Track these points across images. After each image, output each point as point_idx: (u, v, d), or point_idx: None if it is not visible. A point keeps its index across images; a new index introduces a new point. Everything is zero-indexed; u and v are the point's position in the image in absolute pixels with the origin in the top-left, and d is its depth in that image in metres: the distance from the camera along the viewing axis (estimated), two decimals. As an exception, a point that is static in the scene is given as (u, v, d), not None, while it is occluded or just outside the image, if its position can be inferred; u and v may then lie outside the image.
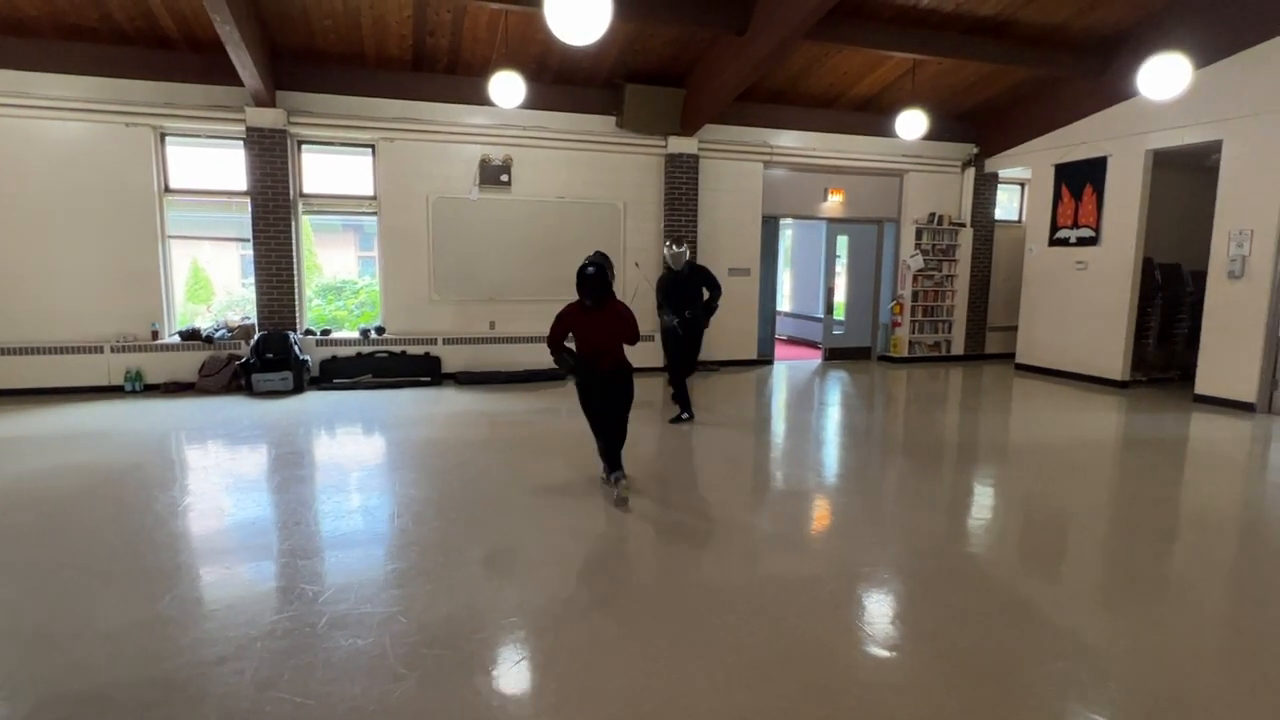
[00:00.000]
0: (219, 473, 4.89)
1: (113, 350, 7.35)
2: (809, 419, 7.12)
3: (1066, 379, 8.97)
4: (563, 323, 4.31)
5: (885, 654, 2.65)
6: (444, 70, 7.99)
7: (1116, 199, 8.37)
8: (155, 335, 7.50)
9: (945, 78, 8.74)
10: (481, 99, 6.94)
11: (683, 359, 6.40)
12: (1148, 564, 3.59)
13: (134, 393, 7.33)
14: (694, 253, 6.12)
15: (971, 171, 10.30)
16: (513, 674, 2.49)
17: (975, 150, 10.25)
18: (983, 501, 4.65)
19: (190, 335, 7.63)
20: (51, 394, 7.14)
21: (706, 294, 6.35)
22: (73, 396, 7.11)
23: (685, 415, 6.40)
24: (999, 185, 10.61)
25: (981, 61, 7.95)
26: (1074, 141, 8.84)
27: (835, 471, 5.25)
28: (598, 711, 2.27)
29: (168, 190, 7.59)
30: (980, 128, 10.11)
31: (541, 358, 8.71)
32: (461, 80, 8.00)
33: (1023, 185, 10.99)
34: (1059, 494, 4.71)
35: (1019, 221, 11.07)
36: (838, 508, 4.45)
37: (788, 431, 6.55)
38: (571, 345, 4.40)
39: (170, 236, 7.72)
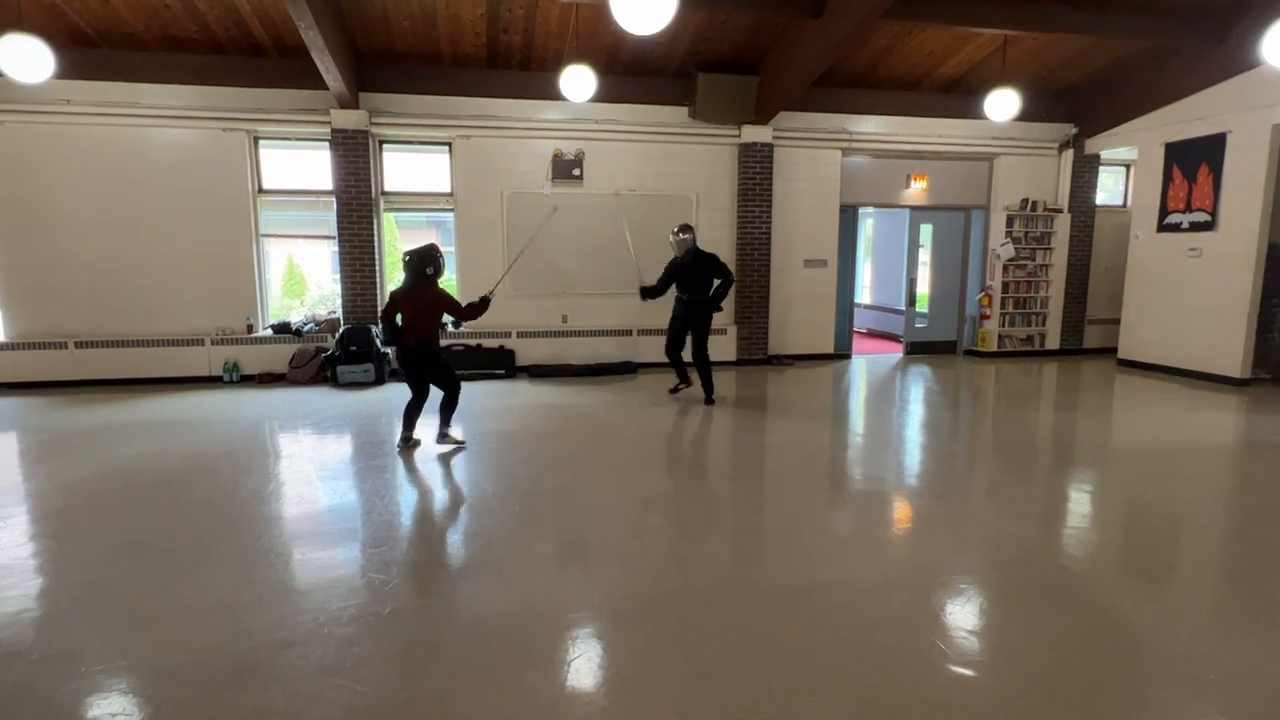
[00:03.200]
0: (302, 460, 5.10)
1: (212, 343, 7.82)
2: (887, 416, 6.84)
3: (1176, 376, 8.28)
4: (393, 301, 5.25)
5: (959, 672, 2.47)
6: (518, 67, 8.08)
7: (1237, 179, 7.63)
8: (250, 329, 7.93)
9: (1040, 54, 8.19)
10: (554, 94, 6.97)
11: (677, 336, 6.91)
12: (1268, 584, 3.23)
13: (231, 383, 7.78)
14: (720, 241, 6.43)
15: (1070, 153, 9.63)
16: (563, 672, 2.46)
17: (1074, 130, 9.57)
18: (1079, 509, 4.32)
19: (282, 329, 8.03)
20: (158, 384, 7.66)
21: (718, 281, 6.75)
22: (177, 386, 7.60)
23: (681, 385, 7.09)
24: (1101, 167, 9.88)
25: (1081, 34, 7.39)
26: (1187, 118, 8.11)
27: (914, 473, 5.00)
28: (642, 719, 2.21)
29: (261, 191, 8.00)
30: (1079, 106, 9.43)
31: (614, 351, 8.79)
32: (535, 76, 8.07)
33: (1128, 167, 10.20)
34: (1166, 502, 4.33)
35: (1123, 206, 10.29)
36: (916, 511, 4.23)
37: (863, 429, 6.30)
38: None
39: (264, 235, 8.15)
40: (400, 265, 5.34)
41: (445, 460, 5.05)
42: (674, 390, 7.17)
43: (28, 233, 7.43)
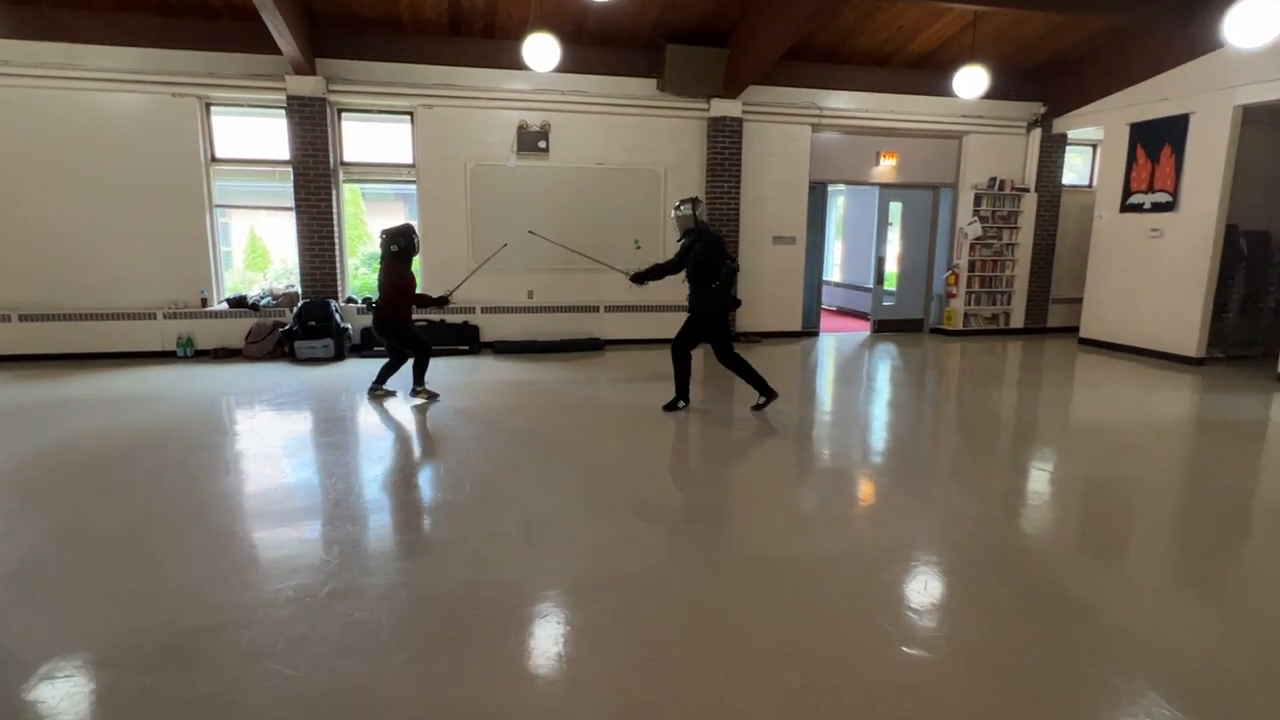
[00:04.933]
0: (253, 438, 4.98)
1: (165, 317, 7.58)
2: (852, 394, 6.86)
3: (1135, 355, 8.41)
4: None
5: (905, 651, 2.47)
6: (481, 34, 7.85)
7: (1198, 160, 7.70)
8: (204, 302, 7.71)
9: (1010, 31, 8.15)
10: (519, 63, 6.77)
11: (682, 334, 5.56)
12: (1217, 561, 3.29)
13: (185, 358, 7.57)
14: (705, 215, 5.41)
15: (1038, 132, 9.65)
16: (503, 656, 2.42)
17: (1042, 109, 9.59)
18: (1035, 487, 4.36)
19: (237, 303, 7.81)
20: (107, 359, 7.42)
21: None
22: (127, 362, 7.37)
23: (680, 404, 5.61)
24: (1067, 147, 9.93)
25: (1051, 12, 7.36)
26: (1152, 98, 8.15)
27: (876, 450, 5.02)
28: (575, 703, 2.18)
29: (214, 160, 7.73)
30: (1048, 85, 9.44)
31: (580, 327, 8.70)
32: (499, 44, 7.85)
33: (1094, 147, 10.26)
34: (1121, 481, 4.39)
35: (1089, 186, 10.37)
36: (875, 489, 4.24)
37: (827, 407, 6.31)
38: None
39: (218, 205, 7.89)
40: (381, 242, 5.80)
41: (401, 436, 4.96)
42: (669, 406, 5.62)
43: (-35, 201, 7.10)
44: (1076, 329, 9.51)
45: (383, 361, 6.13)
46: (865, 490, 4.21)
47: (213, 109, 7.64)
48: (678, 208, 5.47)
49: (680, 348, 5.57)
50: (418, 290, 5.97)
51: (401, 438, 4.99)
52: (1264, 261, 8.18)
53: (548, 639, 2.53)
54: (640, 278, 5.64)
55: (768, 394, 5.54)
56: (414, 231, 5.81)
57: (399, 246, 5.68)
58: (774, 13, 7.20)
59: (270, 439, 4.94)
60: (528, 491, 3.97)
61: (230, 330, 7.75)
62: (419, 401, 5.81)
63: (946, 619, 2.70)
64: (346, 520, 3.54)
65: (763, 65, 7.92)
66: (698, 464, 4.74)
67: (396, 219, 12.96)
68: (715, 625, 2.60)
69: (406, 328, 5.84)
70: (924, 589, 2.96)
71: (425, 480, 4.13)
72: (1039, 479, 4.48)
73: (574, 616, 2.67)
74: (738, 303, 5.57)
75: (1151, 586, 3.03)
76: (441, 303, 6.10)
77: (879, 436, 5.38)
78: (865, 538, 3.46)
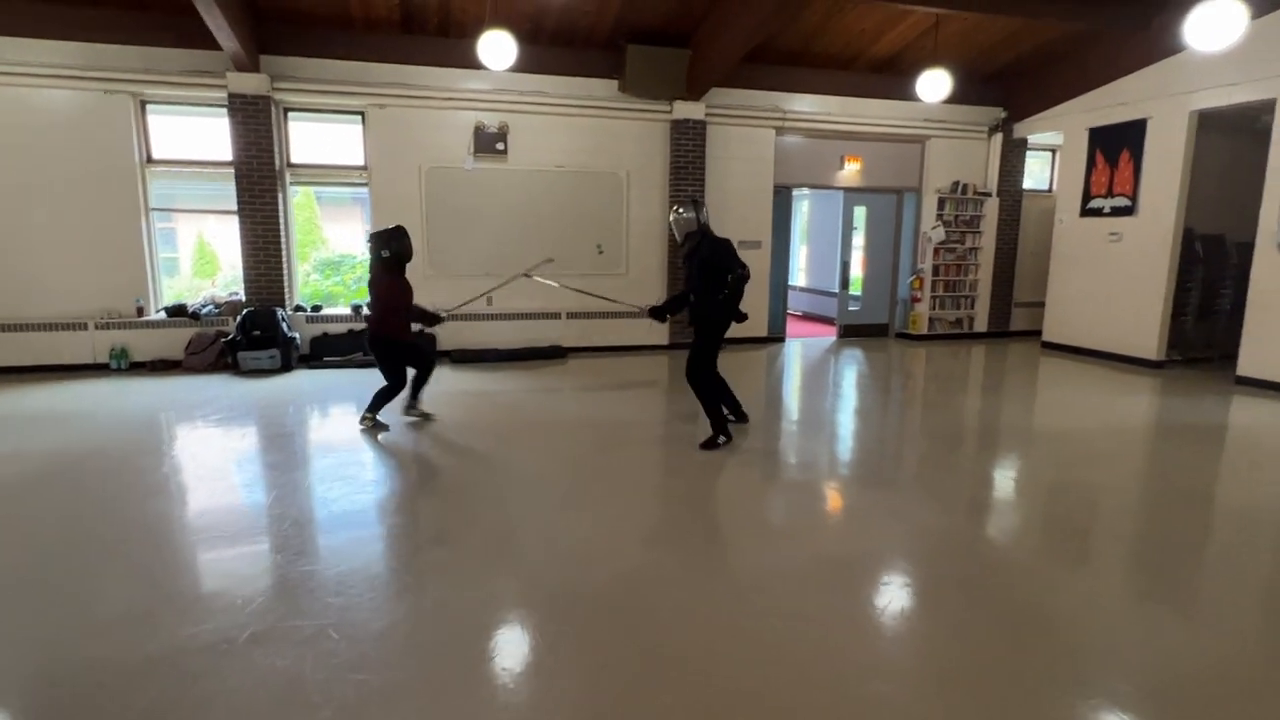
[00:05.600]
0: (183, 459, 4.64)
1: (97, 327, 7.13)
2: (817, 402, 6.72)
3: (1097, 358, 8.44)
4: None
5: (862, 664, 2.29)
6: (435, 32, 7.57)
7: (1156, 165, 7.76)
8: (140, 311, 7.27)
9: (971, 35, 8.13)
10: (476, 62, 6.49)
11: (697, 356, 4.89)
12: (1182, 570, 3.18)
13: (120, 371, 7.13)
14: (708, 217, 4.90)
15: (999, 137, 9.68)
16: (442, 709, 2.18)
17: (1003, 114, 9.62)
18: (1002, 496, 4.25)
19: (176, 311, 7.39)
20: (36, 371, 6.95)
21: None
22: (58, 375, 6.92)
23: (720, 439, 4.83)
24: (1028, 151, 9.98)
25: (1011, 16, 7.34)
26: (1111, 103, 8.21)
27: (843, 461, 4.87)
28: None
29: (150, 160, 7.31)
30: (1009, 90, 9.48)
31: (542, 335, 8.45)
32: (454, 43, 7.57)
33: (1053, 151, 10.34)
34: (1086, 488, 4.29)
35: (1049, 191, 10.45)
36: (837, 500, 4.07)
37: (792, 415, 6.16)
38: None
39: (155, 209, 7.46)
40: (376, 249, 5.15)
41: (349, 456, 4.66)
42: (706, 446, 4.81)
43: (-127, 203, 6.59)
44: (1039, 332, 9.54)
45: (336, 373, 5.77)
46: (832, 502, 4.04)
47: (148, 107, 7.23)
48: (677, 210, 4.85)
49: (701, 370, 4.85)
50: (414, 301, 5.27)
51: (349, 458, 4.69)
52: (1219, 265, 8.28)
53: (492, 684, 2.30)
54: (659, 312, 5.13)
55: (724, 433, 4.85)
56: (406, 234, 5.10)
57: (390, 252, 5.02)
58: (736, 13, 7.05)
59: (203, 460, 4.60)
60: (480, 515, 3.72)
61: (169, 341, 7.33)
62: (412, 419, 5.28)
63: (913, 638, 2.53)
64: (278, 550, 3.26)
65: (725, 66, 7.78)
66: (660, 477, 4.53)
67: (353, 224, 12.43)
68: (649, 646, 2.39)
69: (403, 343, 5.19)
70: (889, 606, 2.79)
71: (369, 505, 3.86)
72: (1004, 488, 4.37)
73: (525, 660, 2.44)
74: (744, 316, 4.86)
75: (1118, 598, 2.90)
76: (435, 321, 5.45)
77: (845, 446, 5.24)
78: (829, 551, 3.28)
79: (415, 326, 5.56)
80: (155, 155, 7.34)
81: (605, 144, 8.34)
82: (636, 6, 7.28)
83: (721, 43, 7.48)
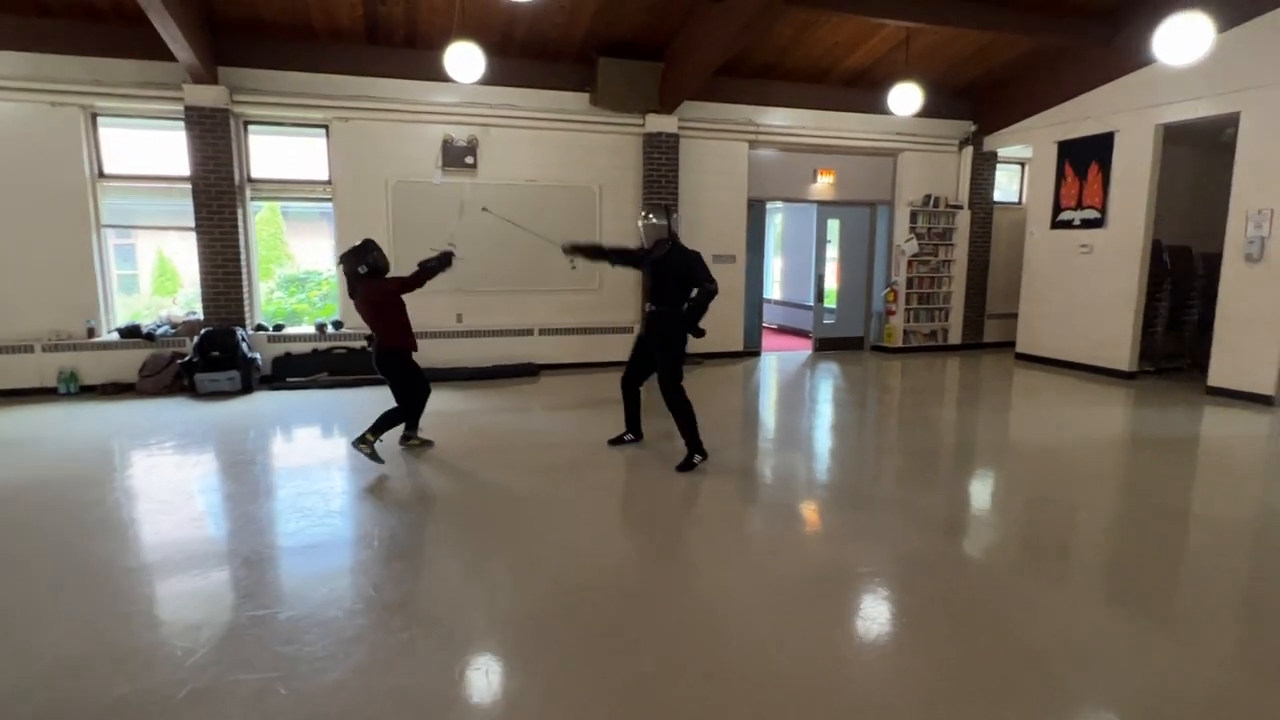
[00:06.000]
0: (127, 491, 4.37)
1: (44, 349, 6.80)
2: (793, 418, 6.62)
3: (1070, 370, 8.47)
4: (358, 309, 4.82)
5: (833, 686, 2.15)
6: (402, 44, 7.41)
7: (1124, 178, 7.83)
8: (91, 333, 6.95)
9: (942, 49, 8.18)
10: (443, 75, 6.34)
11: (636, 363, 5.00)
12: (1161, 586, 3.10)
13: (69, 395, 6.80)
14: (678, 226, 4.92)
15: (969, 150, 9.75)
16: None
17: (973, 128, 9.69)
18: (978, 514, 4.15)
19: (130, 332, 7.08)
20: (-23, 397, 6.60)
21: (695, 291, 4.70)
22: (1, 400, 6.57)
23: (696, 459, 4.73)
24: (998, 165, 10.06)
25: (980, 30, 7.38)
26: (1079, 117, 8.29)
27: (819, 479, 4.75)
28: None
29: (101, 175, 7.02)
30: (979, 103, 9.56)
31: (513, 352, 8.26)
32: (421, 54, 7.41)
33: (1023, 165, 10.45)
34: (1063, 503, 4.22)
35: (1019, 203, 10.54)
36: (812, 517, 3.95)
37: (769, 432, 6.05)
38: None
39: (108, 225, 7.16)
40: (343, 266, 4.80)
41: (307, 484, 4.43)
42: (615, 440, 5.22)
43: None
44: (1013, 344, 9.58)
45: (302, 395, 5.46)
46: (802, 519, 3.91)
47: (99, 120, 6.95)
48: (646, 216, 4.76)
49: (675, 386, 4.71)
50: (407, 278, 4.87)
51: (308, 486, 4.46)
52: (1187, 276, 8.37)
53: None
54: (576, 249, 4.97)
55: (700, 452, 4.73)
56: (377, 245, 4.80)
57: (369, 265, 4.68)
58: (708, 25, 6.99)
59: (151, 492, 4.34)
60: (445, 547, 3.53)
61: (122, 363, 7.01)
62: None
63: (896, 664, 2.40)
64: (228, 592, 3.04)
65: (698, 79, 7.72)
66: (630, 499, 4.37)
67: (321, 240, 12.15)
68: (604, 662, 2.22)
69: (409, 363, 4.88)
70: (870, 631, 2.65)
71: (328, 539, 3.64)
72: (982, 505, 4.28)
73: (493, 711, 2.26)
74: (703, 332, 4.73)
75: (1102, 617, 2.80)
76: (446, 260, 4.99)
77: (823, 464, 5.13)
78: (802, 574, 3.15)
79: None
80: (107, 170, 7.05)
81: (577, 157, 8.21)
82: (608, 19, 7.19)
83: (694, 56, 7.41)
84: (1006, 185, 10.73)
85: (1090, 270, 8.25)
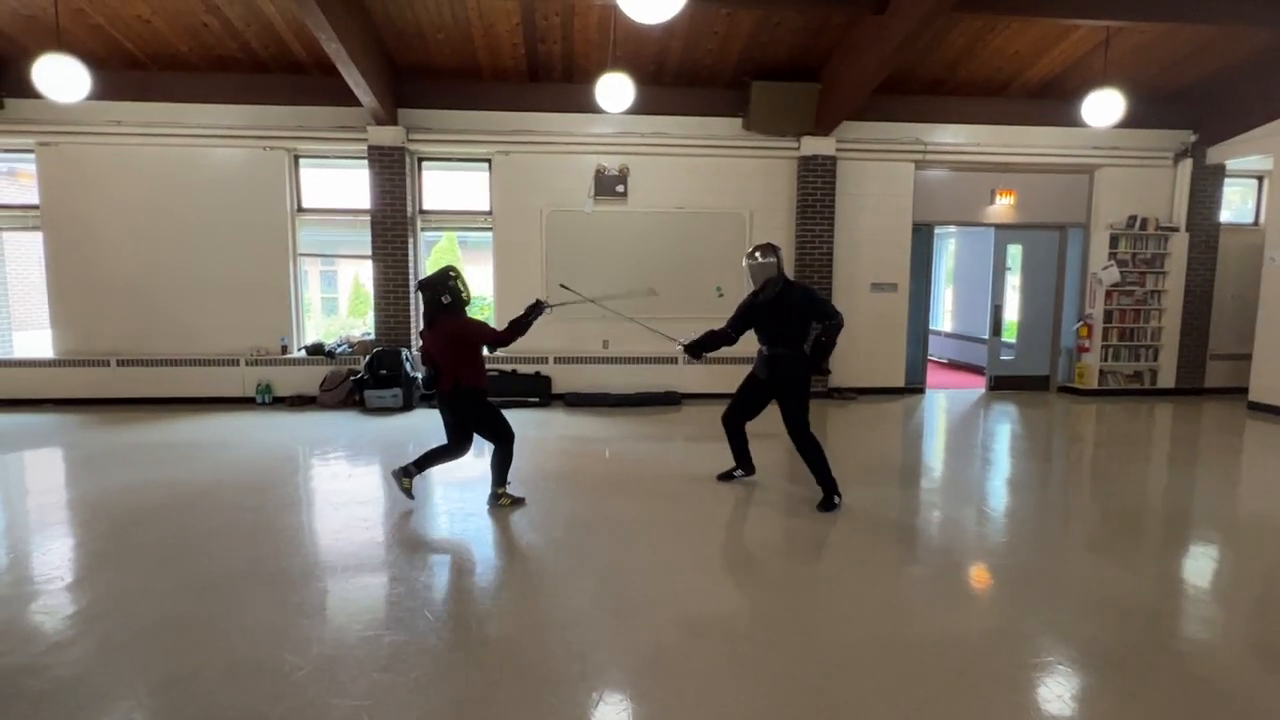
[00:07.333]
0: (284, 501, 4.72)
1: (247, 363, 7.70)
2: (961, 467, 5.90)
3: (1324, 425, 6.92)
4: (423, 340, 4.46)
5: None
6: (560, 79, 7.68)
7: (1405, 191, 6.32)
8: (284, 350, 7.77)
9: (1151, 49, 7.13)
10: (598, 106, 6.46)
11: (743, 402, 4.76)
12: None
13: (263, 405, 7.62)
14: (788, 265, 4.52)
15: (1188, 163, 8.40)
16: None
17: (1194, 137, 8.35)
18: (1188, 602, 3.37)
19: (315, 350, 7.84)
20: (194, 403, 7.58)
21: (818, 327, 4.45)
22: (210, 407, 7.50)
23: (836, 499, 4.48)
24: (1226, 179, 8.58)
25: (1202, 24, 6.33)
26: (1338, 119, 6.84)
27: (981, 540, 4.12)
28: None
29: (300, 210, 7.88)
30: (1200, 109, 8.22)
31: (657, 380, 8.17)
32: (577, 88, 7.63)
33: (1260, 179, 8.84)
34: (1319, 602, 3.32)
35: (1255, 224, 8.92)
36: (969, 587, 3.39)
37: (931, 482, 5.42)
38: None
39: (301, 254, 8.01)
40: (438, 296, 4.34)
41: (451, 510, 4.55)
42: (725, 476, 5.06)
43: (77, 253, 7.53)
44: (1243, 390, 8.03)
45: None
46: (962, 595, 3.36)
47: (300, 160, 7.82)
48: (753, 256, 4.47)
49: (805, 428, 4.45)
50: (502, 332, 4.41)
51: (436, 505, 4.57)
52: None
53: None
54: (696, 349, 4.66)
55: (838, 493, 4.47)
56: (459, 273, 4.37)
57: (452, 296, 4.27)
58: (867, 41, 6.58)
59: (307, 499, 4.66)
60: (583, 582, 3.42)
61: (307, 377, 7.77)
62: (503, 503, 4.45)
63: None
64: (345, 608, 3.11)
65: (857, 99, 7.28)
66: (764, 553, 4.03)
67: (487, 266, 12.84)
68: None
69: (483, 402, 4.43)
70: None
71: (448, 552, 3.67)
72: (1196, 593, 3.46)
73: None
74: (828, 370, 4.56)
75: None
76: (536, 312, 4.52)
77: (995, 525, 4.45)
78: (947, 658, 2.65)
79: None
80: (305, 204, 7.91)
81: (728, 183, 8.05)
82: (760, 42, 7.00)
83: (852, 74, 7.01)
84: (1238, 203, 9.13)
85: (1355, 304, 6.72)
